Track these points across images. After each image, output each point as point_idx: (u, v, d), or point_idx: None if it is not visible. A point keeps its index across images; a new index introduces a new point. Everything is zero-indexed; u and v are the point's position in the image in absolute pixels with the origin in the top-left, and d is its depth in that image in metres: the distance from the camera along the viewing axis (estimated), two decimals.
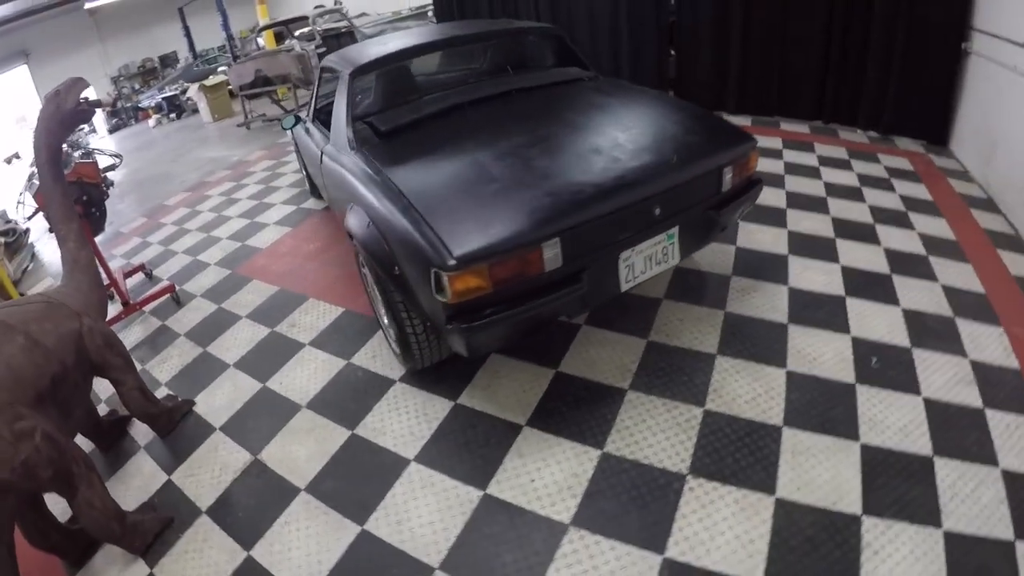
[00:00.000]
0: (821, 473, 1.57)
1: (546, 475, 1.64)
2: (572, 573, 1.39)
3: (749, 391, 1.85)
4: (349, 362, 2.29)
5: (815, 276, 2.37)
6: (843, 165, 3.42)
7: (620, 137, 1.88)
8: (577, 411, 1.84)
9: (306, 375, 2.27)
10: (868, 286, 2.29)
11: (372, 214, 1.81)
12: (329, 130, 2.56)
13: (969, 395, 1.77)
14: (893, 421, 1.71)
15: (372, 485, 1.72)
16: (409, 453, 1.81)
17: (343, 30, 7.61)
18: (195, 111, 8.91)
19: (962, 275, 2.32)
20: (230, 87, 8.08)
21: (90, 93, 2.21)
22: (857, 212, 2.85)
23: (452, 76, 2.96)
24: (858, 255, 2.50)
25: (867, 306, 2.18)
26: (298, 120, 2.97)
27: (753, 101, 4.28)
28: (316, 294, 2.84)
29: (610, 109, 2.15)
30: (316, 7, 8.82)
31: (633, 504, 1.53)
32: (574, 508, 1.54)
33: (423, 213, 1.59)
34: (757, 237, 2.69)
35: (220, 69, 9.94)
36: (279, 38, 8.49)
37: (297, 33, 7.78)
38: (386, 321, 2.13)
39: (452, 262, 1.44)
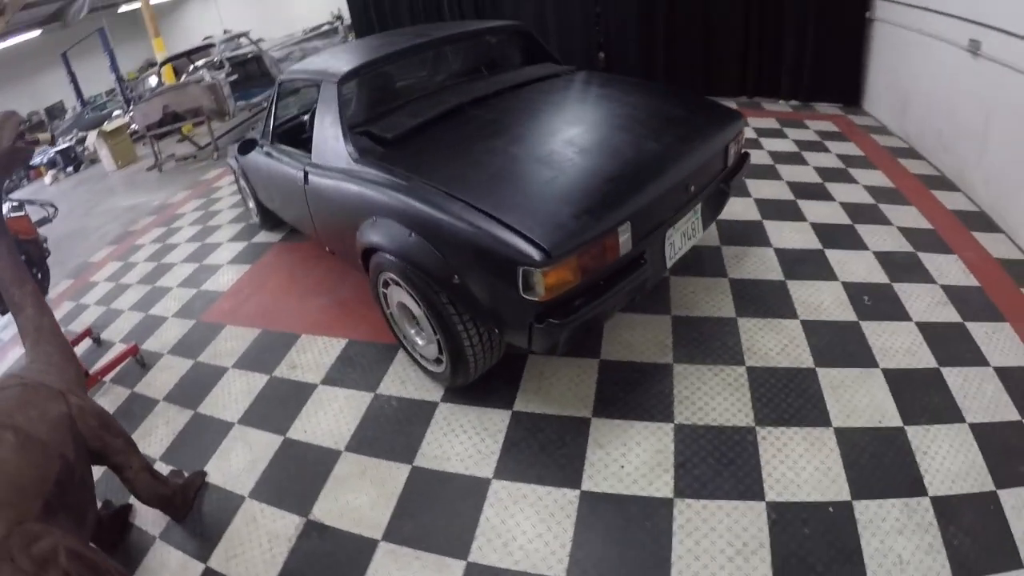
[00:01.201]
0: (861, 399, 1.89)
1: (632, 458, 1.78)
2: (695, 540, 1.54)
3: (776, 344, 2.14)
4: (376, 394, 2.26)
5: (792, 235, 2.78)
6: (778, 134, 3.99)
7: (638, 123, 2.08)
8: (635, 393, 2.01)
9: (331, 417, 2.21)
10: (838, 237, 2.74)
11: (415, 223, 1.81)
12: (304, 148, 2.51)
13: (949, 313, 2.21)
14: (899, 345, 2.08)
15: (458, 514, 1.73)
16: (486, 472, 1.84)
17: (250, 56, 7.41)
18: (94, 161, 8.32)
19: (910, 216, 2.85)
20: (132, 129, 7.70)
21: None
22: (805, 174, 3.37)
23: (431, 80, 2.99)
24: (820, 211, 2.96)
25: (843, 254, 2.61)
26: (251, 145, 2.84)
27: (680, 83, 4.81)
28: (308, 329, 2.75)
29: (613, 98, 2.37)
30: (205, 38, 8.53)
31: (721, 464, 1.72)
32: (671, 482, 1.69)
33: (491, 212, 1.61)
34: (730, 208, 3.03)
35: (115, 113, 9.40)
36: (176, 72, 8.15)
37: (199, 63, 7.47)
38: (420, 342, 2.14)
39: (543, 257, 1.48)
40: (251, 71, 7.56)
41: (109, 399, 2.67)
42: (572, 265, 1.55)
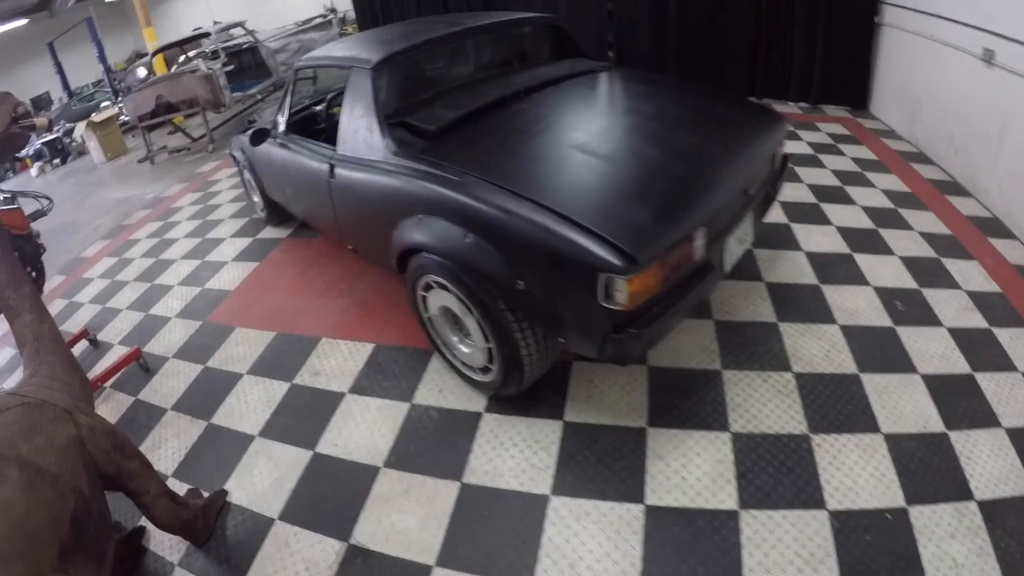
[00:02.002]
0: (905, 405, 2.03)
1: (694, 469, 1.86)
2: (764, 552, 1.63)
3: (819, 349, 2.27)
4: (412, 404, 2.26)
5: (820, 239, 2.93)
6: (791, 136, 4.16)
7: (692, 123, 2.14)
8: (688, 400, 2.09)
9: (364, 430, 2.19)
10: (864, 241, 2.90)
11: (473, 223, 1.78)
12: (327, 140, 2.46)
13: (976, 319, 2.39)
14: (934, 351, 2.24)
15: (518, 535, 1.74)
16: (543, 488, 1.86)
17: (245, 46, 7.42)
18: (81, 153, 8.59)
19: (929, 221, 3.04)
20: (122, 120, 7.83)
21: None
22: (824, 177, 3.55)
23: (463, 70, 2.96)
24: (844, 215, 3.13)
25: (871, 259, 2.77)
26: (263, 135, 2.76)
27: (690, 82, 4.95)
28: (329, 332, 2.72)
29: (659, 96, 2.43)
30: (195, 29, 8.59)
31: (780, 473, 1.82)
32: (735, 493, 1.77)
33: (567, 213, 1.59)
34: None
35: (103, 104, 9.62)
36: (167, 63, 8.23)
37: (192, 53, 7.44)
38: (465, 349, 2.14)
39: (628, 264, 1.46)
40: (246, 62, 7.54)
41: (111, 407, 2.59)
42: (656, 272, 1.56)
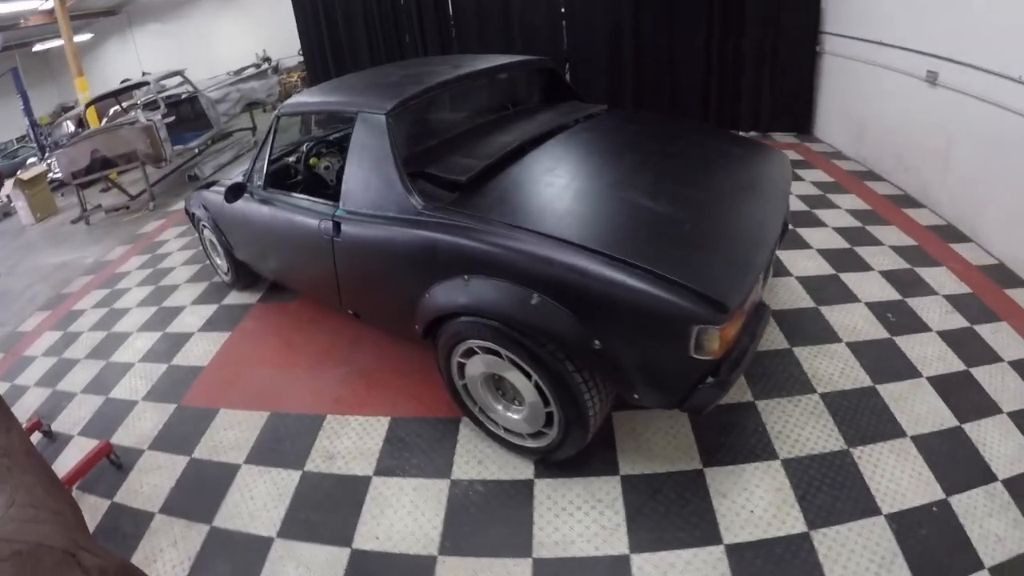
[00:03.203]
0: (920, 407, 2.47)
1: (757, 501, 2.15)
2: (843, 565, 1.92)
3: (834, 368, 2.70)
4: (452, 479, 2.33)
5: (806, 263, 3.46)
6: None
7: (721, 167, 2.46)
8: (732, 436, 2.42)
9: (405, 515, 2.22)
10: (844, 260, 3.46)
11: (541, 283, 1.84)
12: (307, 194, 2.56)
13: (958, 320, 2.93)
14: (931, 354, 2.74)
15: None
16: (620, 549, 2.01)
17: (184, 96, 7.67)
18: (7, 214, 8.69)
19: (894, 235, 3.67)
20: (54, 177, 7.88)
21: None
22: (792, 202, 4.10)
23: (461, 115, 3.11)
24: (819, 237, 3.70)
25: (855, 276, 3.31)
26: (240, 191, 2.78)
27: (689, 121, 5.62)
28: (332, 408, 2.75)
29: (676, 140, 2.73)
30: (123, 81, 8.80)
31: (834, 489, 2.16)
32: (800, 516, 2.07)
33: (649, 266, 1.70)
34: None
35: (29, 160, 9.89)
36: (98, 115, 8.32)
37: (126, 104, 7.68)
38: (514, 416, 2.26)
39: (719, 313, 1.61)
40: (184, 113, 7.70)
41: (87, 513, 2.32)
42: (740, 317, 1.76)
